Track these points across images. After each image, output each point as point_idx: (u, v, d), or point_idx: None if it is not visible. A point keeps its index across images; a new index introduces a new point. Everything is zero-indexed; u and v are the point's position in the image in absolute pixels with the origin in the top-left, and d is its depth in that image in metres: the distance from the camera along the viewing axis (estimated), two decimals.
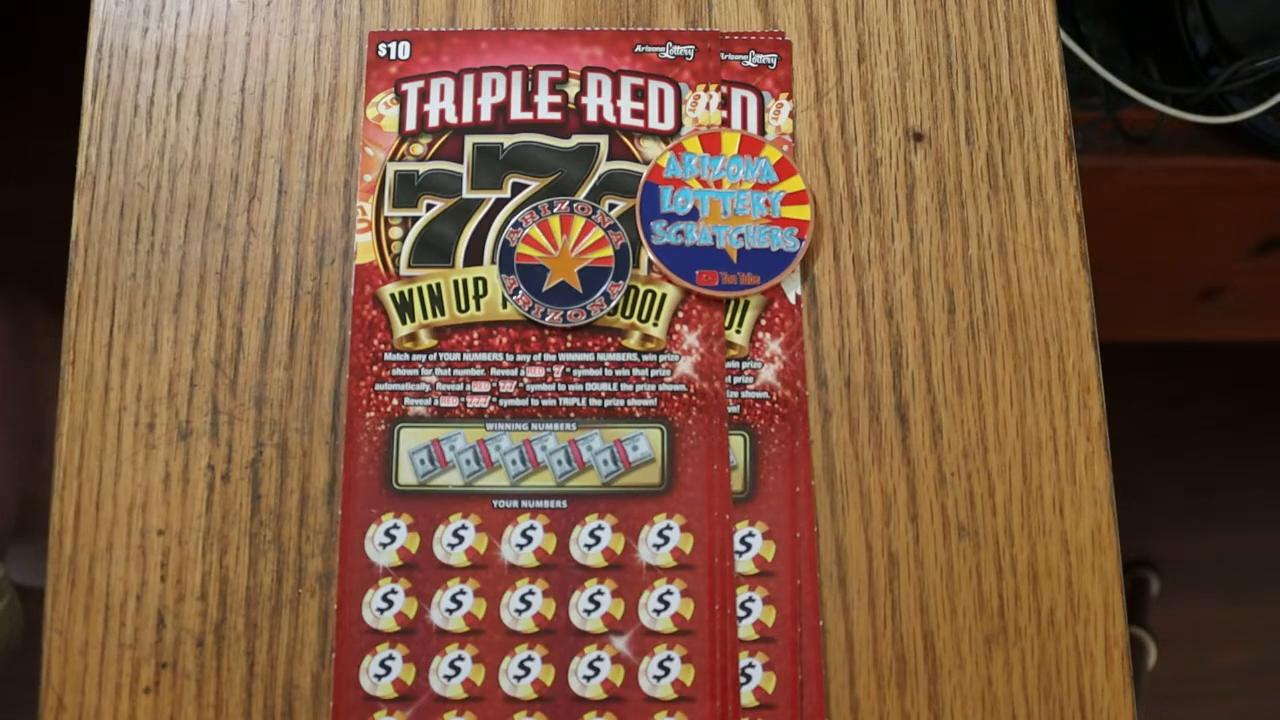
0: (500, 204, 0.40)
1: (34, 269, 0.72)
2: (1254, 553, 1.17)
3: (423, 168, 0.40)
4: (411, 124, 0.41)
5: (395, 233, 0.40)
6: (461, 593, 0.37)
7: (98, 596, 0.37)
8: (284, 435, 0.38)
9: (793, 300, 0.40)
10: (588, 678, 0.37)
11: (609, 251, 0.40)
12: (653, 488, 0.38)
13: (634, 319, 0.39)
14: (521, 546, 0.37)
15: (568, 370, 0.39)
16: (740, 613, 0.37)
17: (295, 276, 0.39)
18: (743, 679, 0.37)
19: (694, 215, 0.40)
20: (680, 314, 0.39)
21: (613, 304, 0.39)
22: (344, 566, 0.37)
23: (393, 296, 0.39)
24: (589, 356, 0.39)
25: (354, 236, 0.40)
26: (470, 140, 0.41)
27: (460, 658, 0.37)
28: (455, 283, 0.39)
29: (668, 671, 0.37)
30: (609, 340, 0.39)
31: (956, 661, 0.37)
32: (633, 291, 0.39)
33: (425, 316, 0.39)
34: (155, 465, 0.38)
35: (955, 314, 0.39)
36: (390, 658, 0.37)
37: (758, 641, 0.37)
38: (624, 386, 0.39)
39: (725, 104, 0.41)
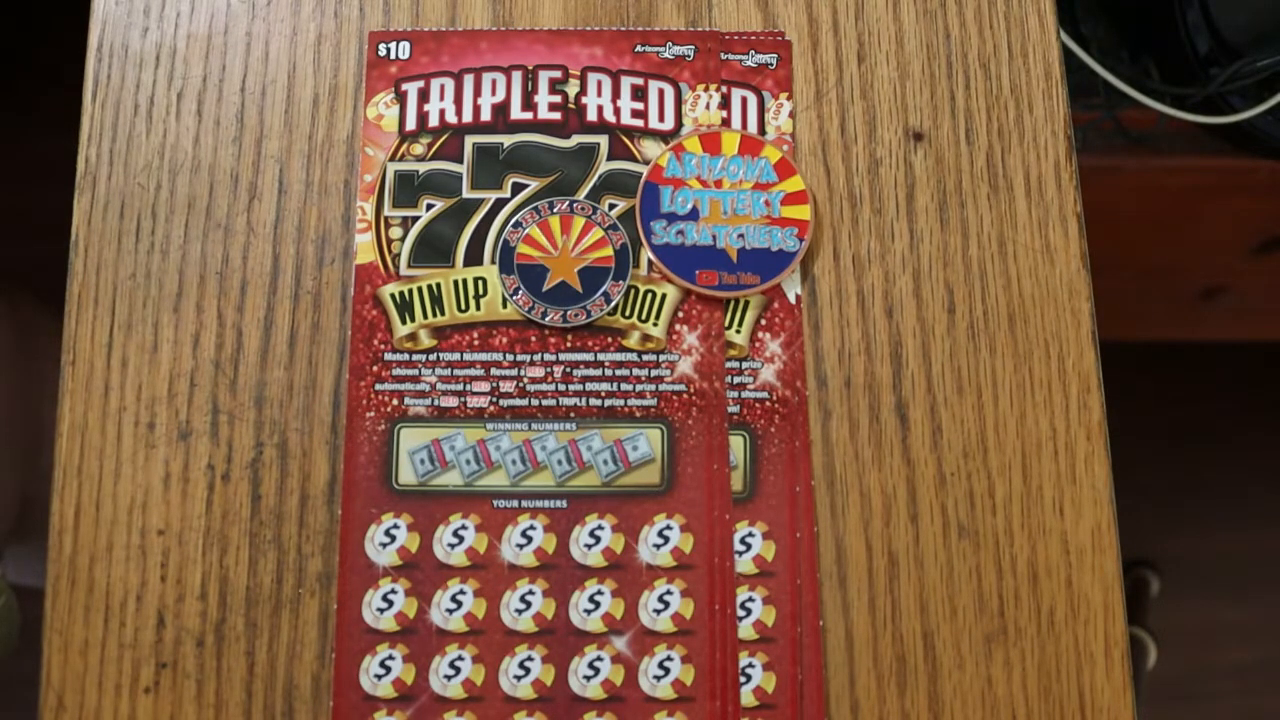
0: (500, 204, 0.40)
1: (33, 269, 0.71)
2: (1254, 553, 1.17)
3: (423, 168, 0.40)
4: (411, 124, 0.41)
5: (395, 232, 0.40)
6: (461, 593, 0.37)
7: (98, 596, 0.37)
8: (284, 435, 0.38)
9: (793, 300, 0.40)
10: (588, 678, 0.37)
11: (609, 251, 0.40)
12: (653, 488, 0.38)
13: (634, 319, 0.39)
14: (521, 546, 0.37)
15: (568, 370, 0.39)
16: (740, 613, 0.37)
17: (295, 276, 0.39)
18: (743, 679, 0.37)
19: (694, 215, 0.40)
20: (680, 314, 0.39)
21: (613, 304, 0.39)
22: (344, 566, 0.37)
23: (393, 296, 0.39)
24: (589, 356, 0.39)
25: (354, 236, 0.40)
26: (470, 140, 0.41)
27: (460, 658, 0.37)
28: (455, 283, 0.39)
29: (668, 671, 0.37)
30: (609, 340, 0.39)
31: (956, 661, 0.37)
32: (633, 291, 0.39)
33: (425, 316, 0.39)
34: (155, 465, 0.38)
35: (955, 314, 0.39)
36: (390, 658, 0.37)
37: (758, 641, 0.37)
38: (624, 386, 0.39)
39: (725, 104, 0.41)
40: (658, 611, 0.37)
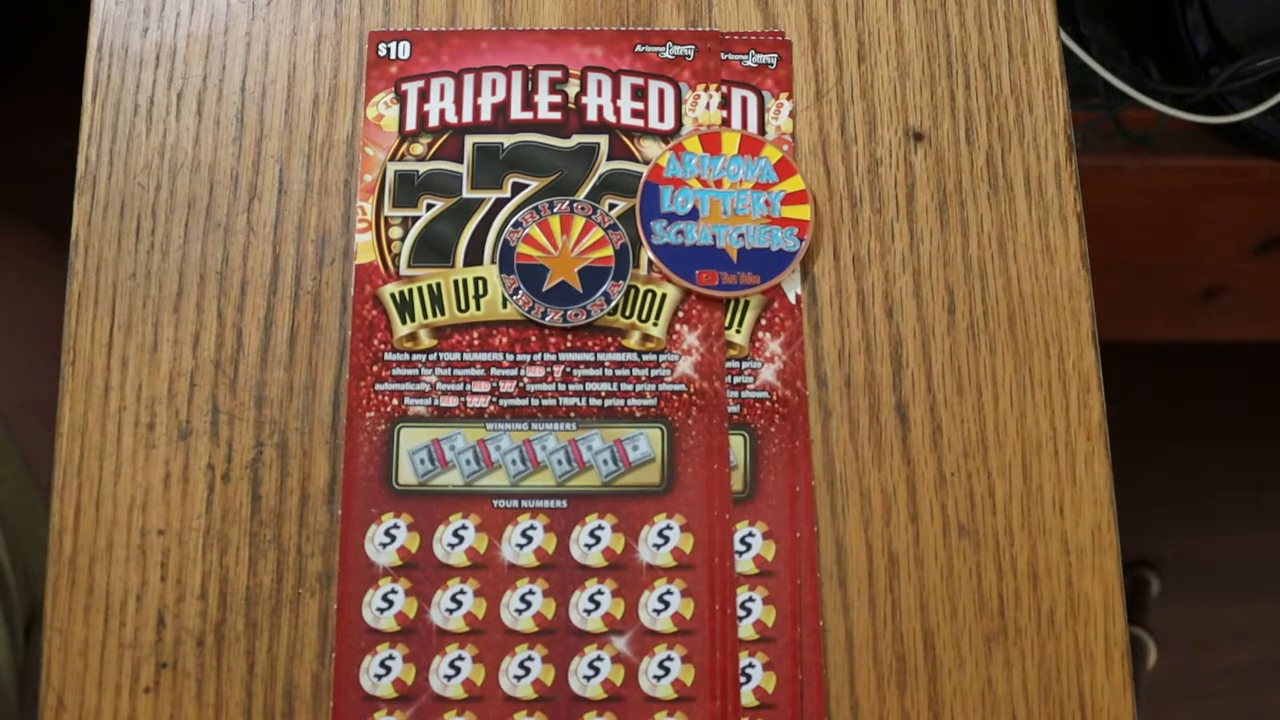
0: (500, 204, 0.40)
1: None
2: (1254, 553, 1.17)
3: (423, 167, 0.40)
4: (411, 124, 0.41)
5: (395, 232, 0.40)
6: (461, 592, 0.37)
7: (98, 596, 0.37)
8: (284, 435, 0.38)
9: (793, 300, 0.40)
10: (588, 678, 0.37)
11: (609, 251, 0.40)
12: (653, 488, 0.38)
13: (634, 319, 0.39)
14: (521, 546, 0.38)
15: (568, 370, 0.39)
16: (740, 613, 0.37)
17: (295, 276, 0.40)
18: (743, 679, 0.37)
19: (694, 215, 0.40)
20: (680, 314, 0.39)
21: (613, 304, 0.39)
22: (344, 566, 0.37)
23: (393, 296, 0.39)
24: (589, 356, 0.39)
25: (354, 236, 0.40)
26: (470, 140, 0.41)
27: (460, 658, 0.37)
28: (455, 282, 0.39)
29: (668, 671, 0.37)
30: (609, 340, 0.39)
31: (956, 661, 0.37)
32: (633, 291, 0.40)
33: (425, 316, 0.39)
34: (155, 465, 0.38)
35: (955, 314, 0.39)
36: (390, 658, 0.37)
37: (758, 641, 0.37)
38: (624, 386, 0.39)
39: (725, 104, 0.41)
40: (658, 611, 0.37)
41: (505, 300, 0.39)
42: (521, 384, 0.39)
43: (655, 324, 0.39)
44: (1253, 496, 1.18)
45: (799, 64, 0.42)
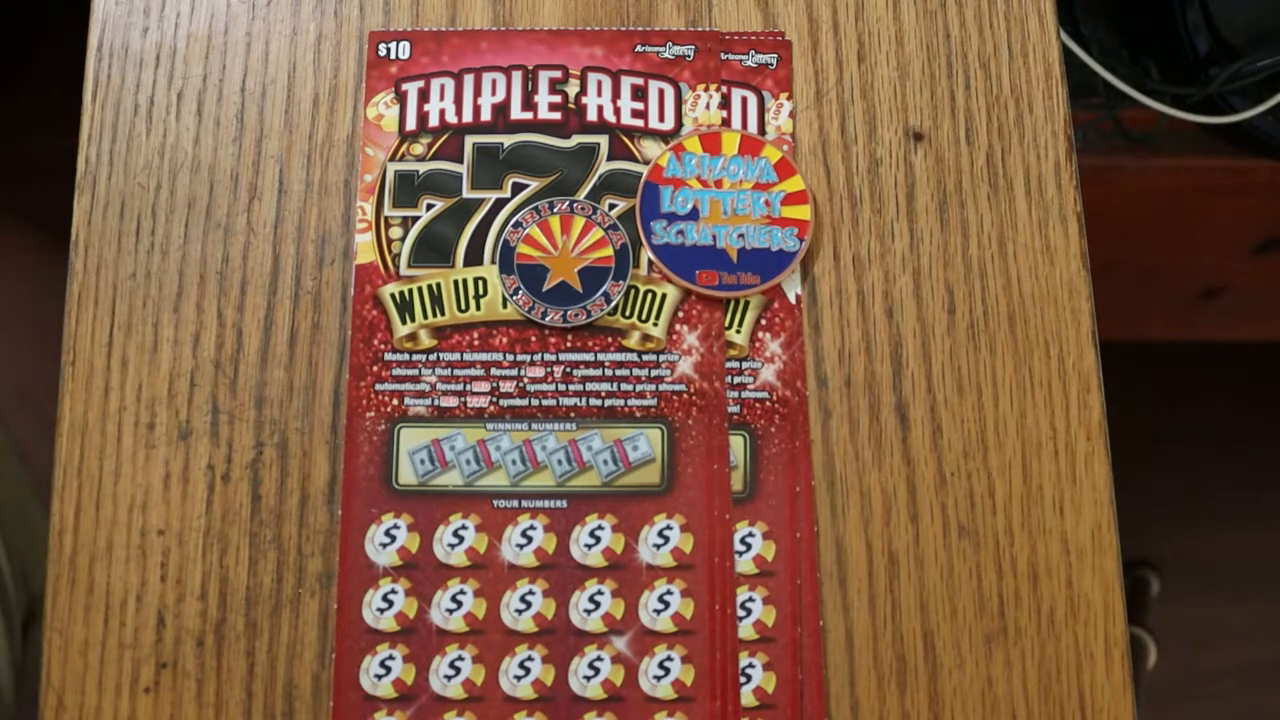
0: (500, 204, 0.40)
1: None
2: (1254, 553, 1.17)
3: (423, 168, 0.40)
4: (411, 124, 0.41)
5: (395, 232, 0.40)
6: (461, 593, 0.37)
7: (98, 596, 0.37)
8: (284, 435, 0.38)
9: (793, 300, 0.40)
10: (588, 678, 0.37)
11: (609, 251, 0.40)
12: (653, 488, 0.38)
13: (634, 319, 0.39)
14: (521, 546, 0.38)
15: (568, 370, 0.39)
16: (740, 613, 0.37)
17: (295, 276, 0.40)
18: (743, 679, 0.37)
19: (694, 215, 0.40)
20: (680, 314, 0.39)
21: (613, 304, 0.39)
22: (344, 566, 0.37)
23: (393, 296, 0.39)
24: (589, 356, 0.39)
25: (354, 236, 0.40)
26: (470, 140, 0.41)
27: (460, 658, 0.37)
28: (455, 283, 0.39)
29: (668, 671, 0.37)
30: (609, 340, 0.39)
31: (956, 661, 0.37)
32: (633, 291, 0.40)
33: (425, 316, 0.39)
34: (155, 465, 0.38)
35: (955, 314, 0.40)
36: (390, 658, 0.37)
37: (758, 641, 0.37)
38: (624, 386, 0.39)
39: (725, 104, 0.41)
40: (658, 611, 0.37)
41: (505, 300, 0.39)
42: (521, 384, 0.39)
43: (655, 324, 0.39)
44: (1253, 496, 1.19)
45: (799, 64, 0.42)
